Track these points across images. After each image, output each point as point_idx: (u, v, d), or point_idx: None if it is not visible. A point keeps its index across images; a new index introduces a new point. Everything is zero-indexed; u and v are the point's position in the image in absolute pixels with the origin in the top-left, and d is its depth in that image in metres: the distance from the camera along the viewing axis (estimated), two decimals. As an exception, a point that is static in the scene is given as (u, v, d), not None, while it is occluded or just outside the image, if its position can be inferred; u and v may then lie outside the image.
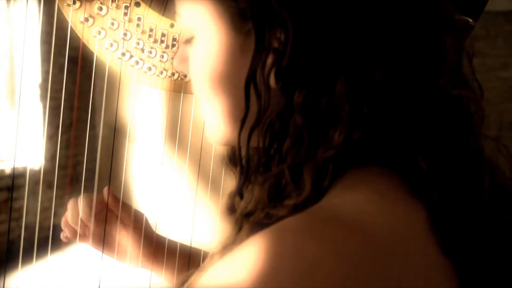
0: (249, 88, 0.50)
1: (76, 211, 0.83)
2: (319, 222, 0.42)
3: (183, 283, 0.56)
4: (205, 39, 0.54)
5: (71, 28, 0.77)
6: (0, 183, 4.16)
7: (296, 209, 0.47)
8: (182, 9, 0.56)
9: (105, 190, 0.86)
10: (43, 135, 4.52)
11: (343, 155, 0.48)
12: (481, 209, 0.48)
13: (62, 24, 0.77)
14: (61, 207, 0.92)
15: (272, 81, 0.50)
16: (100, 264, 0.85)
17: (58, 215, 0.91)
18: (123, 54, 0.78)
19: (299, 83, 0.48)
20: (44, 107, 4.63)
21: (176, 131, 0.86)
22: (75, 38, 0.77)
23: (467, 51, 0.54)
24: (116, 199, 0.86)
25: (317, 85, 0.48)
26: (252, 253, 0.40)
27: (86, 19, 0.77)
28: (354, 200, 0.46)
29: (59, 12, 0.76)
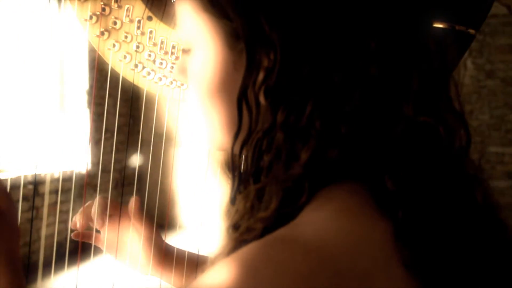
0: (242, 103, 0.53)
1: (89, 211, 0.88)
2: (278, 246, 0.45)
3: None
4: (201, 52, 0.58)
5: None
6: (49, 187, 4.32)
7: (272, 224, 0.50)
8: (182, 21, 0.60)
9: (132, 200, 0.91)
10: (89, 140, 4.66)
11: (317, 173, 0.50)
12: (450, 227, 0.49)
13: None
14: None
15: (262, 98, 0.53)
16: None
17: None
18: (136, 66, 0.83)
19: (282, 102, 0.51)
20: (91, 113, 4.78)
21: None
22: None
23: (454, 79, 0.54)
24: (129, 208, 0.90)
25: (297, 105, 0.51)
26: (218, 277, 0.44)
27: (102, 33, 0.82)
28: (318, 219, 0.48)
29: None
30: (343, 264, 0.44)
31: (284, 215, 0.50)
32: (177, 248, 0.92)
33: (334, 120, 0.50)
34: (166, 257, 0.90)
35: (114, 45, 0.82)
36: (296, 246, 0.45)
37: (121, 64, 0.83)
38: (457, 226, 0.50)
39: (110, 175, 1.09)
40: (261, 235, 0.50)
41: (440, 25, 0.74)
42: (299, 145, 0.51)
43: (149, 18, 0.82)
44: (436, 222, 0.49)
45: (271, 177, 0.52)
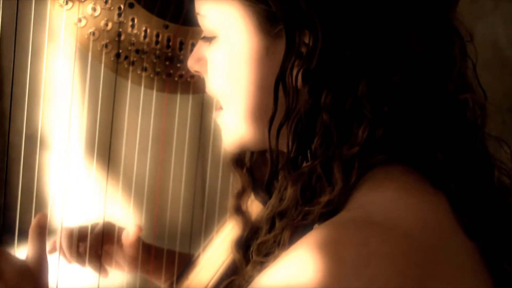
0: (278, 88, 0.53)
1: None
2: (354, 229, 0.46)
3: None
4: (229, 40, 0.56)
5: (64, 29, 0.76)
6: None
7: (328, 206, 0.50)
8: (206, 9, 0.58)
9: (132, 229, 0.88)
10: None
11: (367, 152, 0.51)
12: (492, 194, 0.54)
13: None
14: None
15: (299, 81, 0.52)
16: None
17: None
18: (118, 55, 0.78)
19: (326, 84, 0.52)
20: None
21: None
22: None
23: (471, 59, 0.58)
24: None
25: (342, 86, 0.51)
26: (297, 267, 0.44)
27: (79, 20, 0.76)
28: (382, 199, 0.49)
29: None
30: (419, 240, 0.46)
31: (339, 195, 0.51)
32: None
33: (380, 100, 0.52)
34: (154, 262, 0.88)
35: (93, 34, 0.77)
36: (372, 227, 0.46)
37: (102, 54, 0.78)
38: (500, 194, 0.54)
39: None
40: (318, 219, 0.51)
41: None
42: (351, 126, 0.52)
43: (131, 5, 0.78)
44: (485, 191, 0.53)
45: (322, 159, 0.52)
